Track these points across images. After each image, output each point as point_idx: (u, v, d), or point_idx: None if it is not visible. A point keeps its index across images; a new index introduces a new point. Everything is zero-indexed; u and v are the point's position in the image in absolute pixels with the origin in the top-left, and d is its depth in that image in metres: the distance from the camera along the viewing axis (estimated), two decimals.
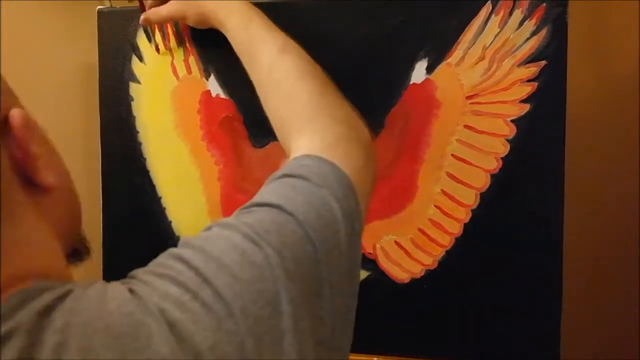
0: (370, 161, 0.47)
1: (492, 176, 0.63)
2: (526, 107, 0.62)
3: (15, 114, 0.34)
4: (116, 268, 0.73)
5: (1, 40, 0.85)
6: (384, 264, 0.66)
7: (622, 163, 0.79)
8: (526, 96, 0.62)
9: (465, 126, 0.64)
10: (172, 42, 0.71)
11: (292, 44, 0.56)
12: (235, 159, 0.70)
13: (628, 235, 0.80)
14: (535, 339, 0.62)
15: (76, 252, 0.42)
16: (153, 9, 0.64)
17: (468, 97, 0.63)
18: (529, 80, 0.61)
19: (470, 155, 0.63)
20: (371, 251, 0.67)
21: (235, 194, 0.70)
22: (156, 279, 0.35)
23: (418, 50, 0.64)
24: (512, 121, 0.62)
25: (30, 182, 0.35)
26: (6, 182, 0.33)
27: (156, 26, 0.70)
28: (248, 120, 0.69)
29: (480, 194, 0.63)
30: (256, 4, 0.69)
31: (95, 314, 0.30)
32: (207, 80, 0.70)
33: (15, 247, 0.33)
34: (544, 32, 0.61)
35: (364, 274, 0.67)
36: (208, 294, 0.32)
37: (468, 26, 0.63)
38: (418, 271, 0.65)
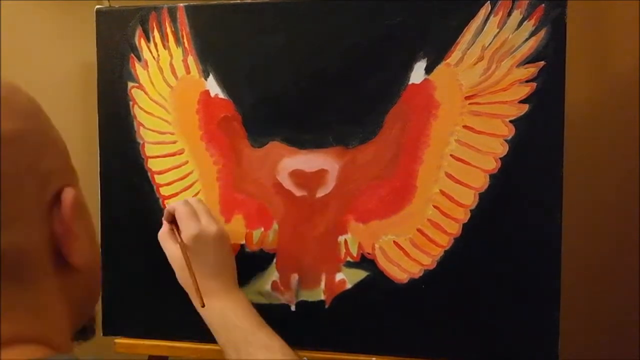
0: None
1: (491, 176, 0.63)
2: (525, 108, 0.62)
3: (68, 193, 0.36)
4: (115, 268, 0.73)
5: (0, 39, 0.85)
6: (383, 264, 0.66)
7: (621, 163, 0.80)
8: (525, 96, 0.62)
9: (464, 126, 0.64)
10: (171, 42, 0.71)
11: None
12: (234, 159, 0.70)
13: (628, 235, 0.80)
14: (534, 339, 0.62)
15: (82, 330, 0.43)
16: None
17: (467, 98, 0.63)
18: (527, 81, 0.62)
19: (469, 155, 0.63)
20: (370, 251, 0.67)
21: (234, 193, 0.70)
22: None
23: (417, 51, 0.64)
24: (511, 121, 0.62)
25: (61, 258, 0.37)
26: (34, 250, 0.34)
27: (155, 26, 0.70)
28: (247, 120, 0.69)
29: (479, 194, 0.63)
30: (256, 4, 0.69)
31: None
32: (206, 80, 0.70)
33: (23, 312, 0.34)
34: (542, 32, 0.61)
35: (362, 274, 0.67)
36: None
37: (467, 27, 0.63)
38: (417, 271, 0.65)
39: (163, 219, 0.65)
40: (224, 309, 0.60)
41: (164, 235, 0.64)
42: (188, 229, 0.61)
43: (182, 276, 0.61)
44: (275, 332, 0.59)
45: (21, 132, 0.34)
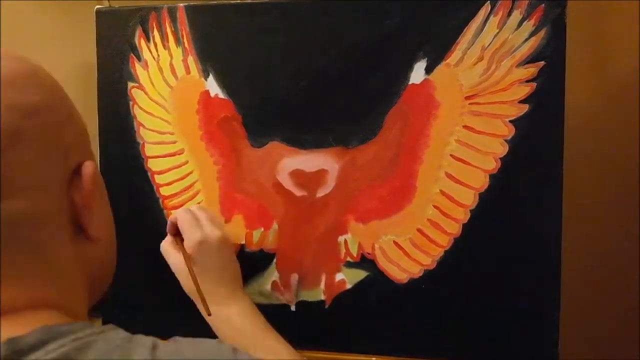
0: None
1: (491, 176, 0.63)
2: (525, 108, 0.62)
3: (89, 165, 0.38)
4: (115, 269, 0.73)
5: (0, 39, 0.85)
6: (383, 264, 0.66)
7: (621, 163, 0.79)
8: (525, 97, 0.62)
9: (464, 126, 0.64)
10: (171, 42, 0.71)
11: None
12: (234, 159, 0.70)
13: (628, 235, 0.80)
14: (533, 339, 0.62)
15: (95, 307, 0.44)
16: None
17: (467, 98, 0.63)
18: (527, 81, 0.62)
19: (469, 155, 0.63)
20: (370, 251, 0.67)
21: (234, 193, 0.70)
22: None
23: (417, 51, 0.64)
24: (510, 122, 0.62)
25: (80, 229, 0.38)
26: (53, 219, 0.36)
27: (155, 26, 0.70)
28: (247, 120, 0.69)
29: (479, 194, 0.63)
30: (257, 4, 0.69)
31: None
32: (206, 80, 0.70)
33: (42, 278, 0.35)
34: (542, 32, 0.61)
35: (362, 274, 0.67)
36: None
37: (467, 27, 0.63)
38: (417, 271, 0.65)
39: (167, 231, 0.65)
40: (231, 316, 0.60)
41: (166, 246, 0.64)
42: (191, 236, 0.61)
43: (188, 285, 0.61)
44: (280, 336, 0.59)
45: (49, 104, 0.36)
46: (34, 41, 0.88)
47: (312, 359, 0.65)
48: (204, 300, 0.58)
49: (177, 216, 0.63)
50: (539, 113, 0.61)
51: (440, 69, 0.64)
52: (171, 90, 0.71)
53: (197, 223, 0.62)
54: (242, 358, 0.37)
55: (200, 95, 0.70)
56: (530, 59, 0.61)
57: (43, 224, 0.35)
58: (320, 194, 0.68)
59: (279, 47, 0.67)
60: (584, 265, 0.78)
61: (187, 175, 0.71)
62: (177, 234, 0.64)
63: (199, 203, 0.71)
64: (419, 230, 0.65)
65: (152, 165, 0.72)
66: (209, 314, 0.58)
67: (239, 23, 0.69)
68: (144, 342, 0.34)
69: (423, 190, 0.65)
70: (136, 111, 0.72)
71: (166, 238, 0.64)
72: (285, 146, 0.68)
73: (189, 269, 0.60)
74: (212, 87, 0.70)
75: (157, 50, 0.71)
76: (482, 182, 0.63)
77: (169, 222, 0.64)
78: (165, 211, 0.72)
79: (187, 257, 0.61)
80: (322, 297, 0.68)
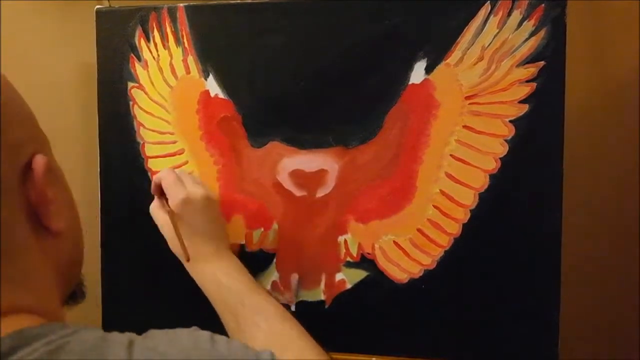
0: None
1: (491, 176, 0.63)
2: (525, 108, 0.62)
3: (38, 160, 0.36)
4: (115, 269, 0.73)
5: (0, 40, 0.85)
6: (383, 264, 0.66)
7: (621, 163, 0.79)
8: (525, 97, 0.62)
9: (464, 126, 0.64)
10: (171, 42, 0.71)
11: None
12: (234, 159, 0.70)
13: (628, 235, 0.80)
14: (533, 339, 0.62)
15: (72, 294, 0.43)
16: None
17: (467, 98, 0.63)
18: (527, 81, 0.62)
19: (469, 155, 0.63)
20: (370, 251, 0.67)
21: (234, 194, 0.70)
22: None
23: (417, 51, 0.64)
24: (510, 122, 0.62)
25: (40, 225, 0.37)
26: (13, 221, 0.35)
27: (155, 26, 0.70)
28: (247, 120, 0.69)
29: (479, 194, 0.63)
30: (256, 4, 0.69)
31: None
32: (206, 80, 0.70)
33: (9, 284, 0.34)
34: (542, 32, 0.61)
35: (362, 274, 0.67)
36: None
37: (467, 26, 0.63)
38: (417, 271, 0.65)
39: (152, 192, 0.64)
40: (216, 273, 0.59)
41: (154, 208, 0.63)
42: (175, 195, 0.61)
43: (174, 245, 0.61)
44: (270, 294, 0.58)
45: None
46: (33, 41, 0.88)
47: None
48: (183, 246, 0.58)
49: (161, 176, 0.63)
50: (539, 113, 0.61)
51: (440, 68, 0.64)
52: (171, 90, 0.71)
53: (180, 183, 0.62)
54: (219, 345, 0.36)
55: (200, 95, 0.70)
56: (530, 59, 0.61)
57: (6, 228, 0.34)
58: (320, 194, 0.68)
59: (279, 47, 0.67)
60: (584, 265, 0.78)
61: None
62: (162, 195, 0.63)
63: None
64: (419, 230, 0.65)
65: (152, 165, 0.72)
66: (187, 260, 0.58)
67: (239, 23, 0.69)
68: (119, 340, 0.34)
69: (423, 190, 0.65)
70: (136, 111, 0.72)
71: (153, 202, 0.64)
72: (285, 146, 0.68)
73: (173, 225, 0.59)
74: (212, 87, 0.70)
75: (157, 50, 0.71)
76: (482, 182, 0.63)
77: (152, 183, 0.64)
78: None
79: (172, 215, 0.60)
80: (322, 297, 0.68)
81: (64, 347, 0.32)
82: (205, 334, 0.37)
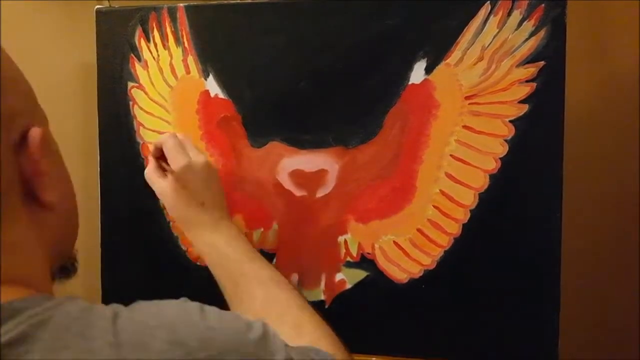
0: None
1: (491, 176, 0.63)
2: (525, 108, 0.62)
3: (34, 132, 0.36)
4: (115, 268, 0.73)
5: (0, 39, 0.85)
6: (383, 264, 0.66)
7: (621, 163, 0.79)
8: (525, 97, 0.62)
9: (464, 126, 0.64)
10: (171, 42, 0.71)
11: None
12: (234, 159, 0.70)
13: (628, 235, 0.80)
14: (533, 339, 0.62)
15: (63, 269, 0.43)
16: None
17: (467, 98, 0.63)
18: (527, 81, 0.62)
19: (469, 155, 0.63)
20: (370, 251, 0.67)
21: (233, 194, 0.70)
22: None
23: (417, 51, 0.64)
24: (510, 122, 0.62)
25: (33, 197, 0.37)
26: (9, 193, 0.34)
27: (155, 26, 0.70)
28: (247, 120, 0.69)
29: (479, 194, 0.63)
30: (256, 4, 0.69)
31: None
32: (206, 80, 0.70)
33: (5, 253, 0.34)
34: (542, 32, 0.61)
35: (362, 274, 0.67)
36: None
37: (467, 26, 0.63)
38: (417, 271, 0.65)
39: (150, 155, 0.63)
40: (216, 241, 0.59)
41: (150, 173, 0.62)
42: (177, 160, 0.60)
43: (175, 210, 0.61)
44: (269, 263, 0.58)
45: None
46: (33, 41, 0.88)
47: None
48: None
49: (163, 140, 0.62)
50: (539, 113, 0.61)
51: (440, 69, 0.64)
52: (171, 90, 0.71)
53: (182, 148, 0.61)
54: (209, 315, 0.36)
55: (200, 95, 0.70)
56: (530, 59, 0.61)
57: None
58: (320, 194, 0.68)
59: (279, 47, 0.67)
60: (584, 265, 0.78)
61: None
62: (161, 158, 0.63)
63: None
64: (419, 230, 0.65)
65: None
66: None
67: (239, 23, 0.69)
68: (103, 312, 0.33)
69: (423, 190, 0.65)
70: (136, 111, 0.72)
71: (149, 166, 0.63)
72: (285, 146, 0.68)
73: (174, 189, 0.59)
74: (212, 87, 0.70)
75: (157, 50, 0.71)
76: (482, 182, 0.63)
77: (153, 146, 0.63)
78: (165, 211, 0.72)
79: (174, 179, 0.60)
80: (322, 297, 0.68)
81: (49, 320, 0.31)
82: (195, 305, 0.36)
